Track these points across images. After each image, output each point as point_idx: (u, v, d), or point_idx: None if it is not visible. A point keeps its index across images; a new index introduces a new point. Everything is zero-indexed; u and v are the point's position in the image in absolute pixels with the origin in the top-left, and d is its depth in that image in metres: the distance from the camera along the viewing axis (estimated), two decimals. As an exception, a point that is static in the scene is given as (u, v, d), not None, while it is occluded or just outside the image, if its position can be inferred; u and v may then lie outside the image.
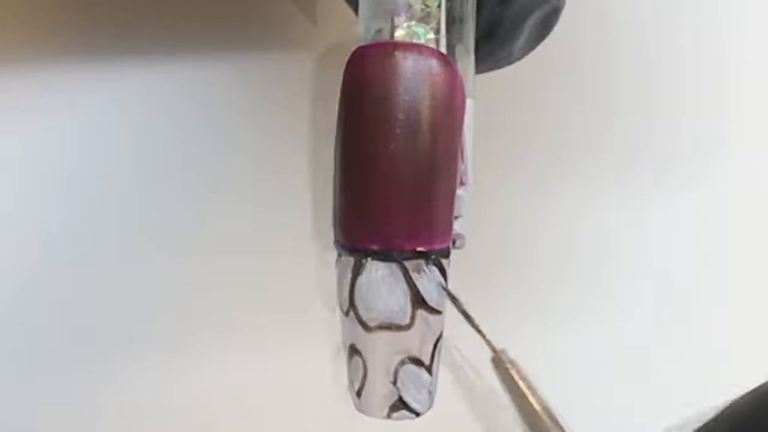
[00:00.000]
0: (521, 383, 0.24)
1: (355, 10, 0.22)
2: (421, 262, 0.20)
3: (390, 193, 0.19)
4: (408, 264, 0.20)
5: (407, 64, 0.20)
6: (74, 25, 0.28)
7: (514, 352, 0.25)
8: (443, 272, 0.20)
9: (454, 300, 0.22)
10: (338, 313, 0.21)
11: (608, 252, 0.29)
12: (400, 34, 0.21)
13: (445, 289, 0.20)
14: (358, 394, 0.21)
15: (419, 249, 0.20)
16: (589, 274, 0.29)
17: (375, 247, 0.20)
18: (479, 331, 0.22)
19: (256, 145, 0.28)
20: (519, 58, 0.24)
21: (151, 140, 0.27)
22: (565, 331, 0.28)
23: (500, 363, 0.24)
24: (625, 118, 0.30)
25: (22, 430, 0.26)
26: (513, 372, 0.24)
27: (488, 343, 0.22)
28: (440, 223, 0.20)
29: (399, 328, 0.20)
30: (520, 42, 0.24)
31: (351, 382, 0.21)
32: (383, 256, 0.20)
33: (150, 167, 0.28)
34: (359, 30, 0.21)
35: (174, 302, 0.27)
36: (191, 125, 0.28)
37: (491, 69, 0.24)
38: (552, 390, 0.25)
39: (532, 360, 0.25)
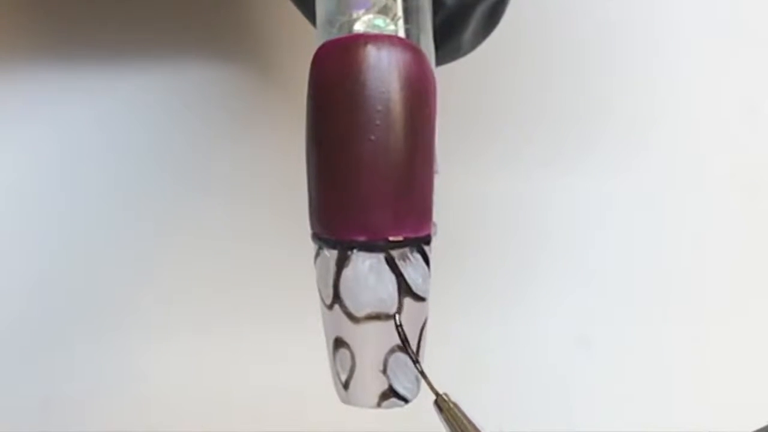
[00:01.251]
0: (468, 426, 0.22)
1: (310, 15, 0.22)
2: (406, 250, 0.20)
3: (374, 184, 0.20)
4: (394, 253, 0.20)
5: (381, 55, 0.20)
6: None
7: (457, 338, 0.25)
8: (426, 259, 0.20)
9: (403, 339, 0.21)
10: (320, 308, 0.21)
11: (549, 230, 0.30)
12: (360, 26, 0.21)
13: (399, 328, 0.20)
14: (345, 386, 0.21)
15: (405, 237, 0.20)
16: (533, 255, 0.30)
17: (361, 239, 0.20)
18: (422, 373, 0.21)
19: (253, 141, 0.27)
20: (467, 52, 0.25)
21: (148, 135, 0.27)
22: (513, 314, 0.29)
23: (444, 406, 0.22)
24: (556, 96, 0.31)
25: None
26: (458, 414, 0.22)
27: (430, 386, 0.21)
28: (422, 211, 0.20)
29: (388, 317, 0.20)
30: (468, 34, 0.24)
31: (336, 374, 0.21)
32: (370, 246, 0.20)
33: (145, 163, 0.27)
34: (321, 25, 0.21)
35: (170, 293, 0.27)
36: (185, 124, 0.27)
37: (439, 64, 0.24)
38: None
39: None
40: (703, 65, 0.32)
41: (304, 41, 0.24)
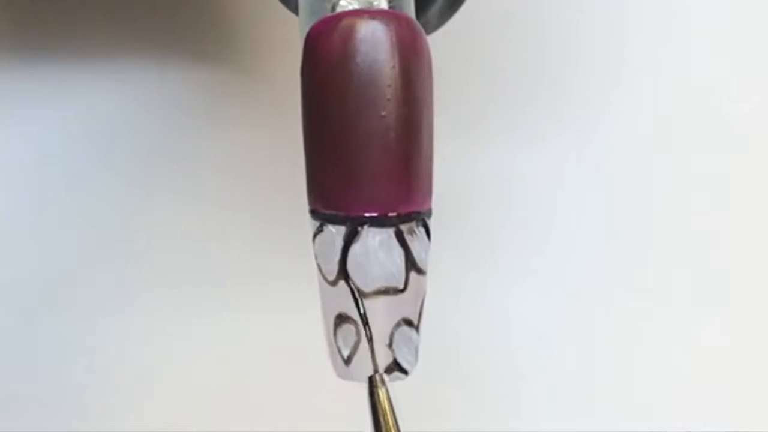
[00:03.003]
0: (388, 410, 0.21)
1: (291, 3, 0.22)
2: (413, 224, 0.20)
3: (385, 160, 0.20)
4: (403, 227, 0.20)
5: (388, 29, 0.20)
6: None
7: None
8: (428, 232, 0.21)
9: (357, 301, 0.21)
10: (318, 285, 0.21)
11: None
12: (345, 2, 0.21)
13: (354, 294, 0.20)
14: (347, 361, 0.21)
15: (414, 211, 0.20)
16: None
17: (373, 214, 0.20)
18: (370, 341, 0.21)
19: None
20: (434, 28, 0.25)
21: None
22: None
23: (374, 383, 0.21)
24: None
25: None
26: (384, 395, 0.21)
27: (374, 359, 0.21)
28: (427, 184, 0.21)
29: (396, 291, 0.20)
30: (435, 9, 0.24)
31: (337, 351, 0.21)
32: (381, 222, 0.20)
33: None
34: (310, 5, 0.21)
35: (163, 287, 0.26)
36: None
37: None
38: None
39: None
40: (674, 39, 0.33)
41: (284, 37, 0.24)
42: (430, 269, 0.20)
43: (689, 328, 0.31)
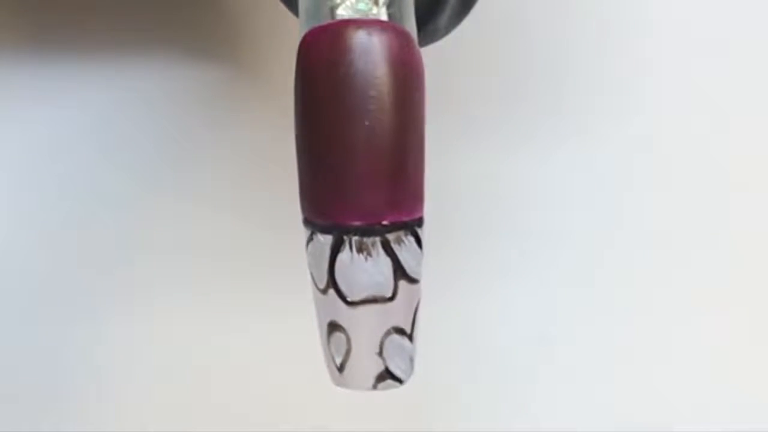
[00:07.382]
0: None
1: (292, 5, 0.23)
2: (401, 233, 0.20)
3: (370, 169, 0.20)
4: (390, 236, 0.20)
5: (372, 40, 0.20)
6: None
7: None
8: (419, 242, 0.21)
9: None
10: (312, 292, 0.21)
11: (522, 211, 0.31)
12: (343, 11, 0.21)
13: None
14: (341, 369, 0.21)
15: (400, 221, 0.20)
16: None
17: (358, 223, 0.20)
18: None
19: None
20: (444, 35, 0.25)
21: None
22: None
23: None
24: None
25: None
26: None
27: None
28: (416, 193, 0.21)
29: (384, 300, 0.20)
30: (445, 16, 0.24)
31: (331, 358, 0.21)
32: (366, 231, 0.20)
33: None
34: (304, 12, 0.21)
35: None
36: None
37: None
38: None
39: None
40: (680, 43, 0.32)
41: (286, 37, 0.24)
42: (431, 270, 0.21)
43: (689, 328, 0.31)
